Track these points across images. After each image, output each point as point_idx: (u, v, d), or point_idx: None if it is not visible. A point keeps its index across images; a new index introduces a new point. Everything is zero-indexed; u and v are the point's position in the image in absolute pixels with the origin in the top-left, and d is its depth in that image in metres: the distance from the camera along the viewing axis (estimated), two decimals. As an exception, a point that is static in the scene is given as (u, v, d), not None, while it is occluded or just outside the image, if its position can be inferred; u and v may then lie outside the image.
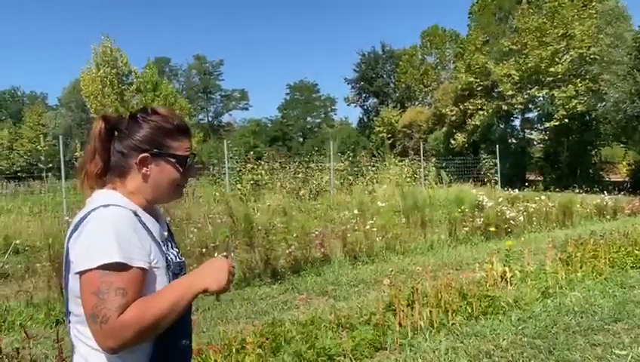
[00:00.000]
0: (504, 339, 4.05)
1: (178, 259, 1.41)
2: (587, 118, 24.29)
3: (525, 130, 29.38)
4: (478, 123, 28.68)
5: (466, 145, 29.94)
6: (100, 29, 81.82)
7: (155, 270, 1.28)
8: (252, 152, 52.47)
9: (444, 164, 27.07)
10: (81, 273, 1.19)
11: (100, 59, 28.87)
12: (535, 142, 28.41)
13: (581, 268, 6.05)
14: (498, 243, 8.57)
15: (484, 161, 21.40)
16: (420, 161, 23.06)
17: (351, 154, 21.79)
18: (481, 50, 28.95)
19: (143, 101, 29.25)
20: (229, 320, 4.93)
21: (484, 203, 9.67)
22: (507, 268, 5.64)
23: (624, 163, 27.90)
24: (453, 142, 30.83)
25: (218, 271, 1.29)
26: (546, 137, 27.09)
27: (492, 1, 31.55)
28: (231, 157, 17.79)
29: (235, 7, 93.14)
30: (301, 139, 55.78)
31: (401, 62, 43.52)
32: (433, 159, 28.11)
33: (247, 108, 66.35)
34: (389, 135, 41.14)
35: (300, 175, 18.56)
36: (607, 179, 27.22)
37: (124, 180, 1.35)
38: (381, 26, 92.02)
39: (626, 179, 24.39)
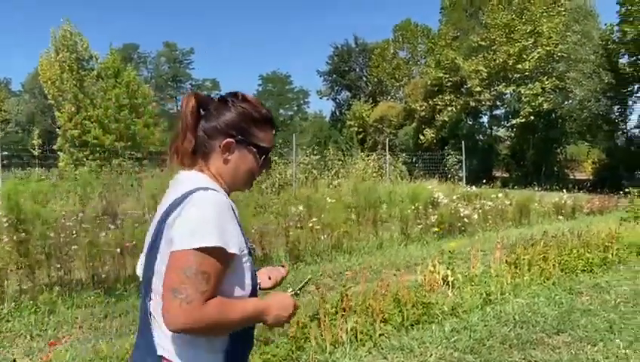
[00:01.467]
0: (432, 354, 3.64)
1: (251, 245, 1.40)
2: (553, 115, 24.37)
3: (493, 127, 29.42)
4: (446, 119, 28.56)
5: (435, 141, 29.82)
6: (67, 12, 79.15)
7: (244, 256, 1.30)
8: (222, 144, 51.95)
9: (413, 160, 26.99)
10: (176, 252, 1.20)
11: (59, 43, 27.62)
12: (502, 139, 28.45)
13: (529, 271, 5.72)
14: (450, 242, 8.24)
15: (447, 157, 21.21)
16: (387, 156, 22.83)
17: (316, 147, 21.31)
18: (451, 45, 28.79)
19: (103, 87, 28.13)
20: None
21: (439, 200, 9.32)
22: (449, 271, 5.26)
23: (589, 161, 28.22)
24: (422, 137, 30.67)
25: (284, 310, 1.36)
26: (513, 134, 27.15)
27: (463, -3, 31.42)
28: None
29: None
30: (273, 131, 54.97)
31: (373, 56, 43.17)
32: (403, 154, 28.05)
33: (218, 99, 64.85)
34: (361, 129, 40.84)
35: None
36: (572, 176, 27.50)
37: (208, 162, 1.35)
38: (355, 19, 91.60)
39: (591, 177, 24.64)
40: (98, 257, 5.11)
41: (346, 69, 46.03)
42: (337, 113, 48.34)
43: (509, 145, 29.02)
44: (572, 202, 11.34)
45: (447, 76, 28.40)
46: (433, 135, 30.09)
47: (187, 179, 1.31)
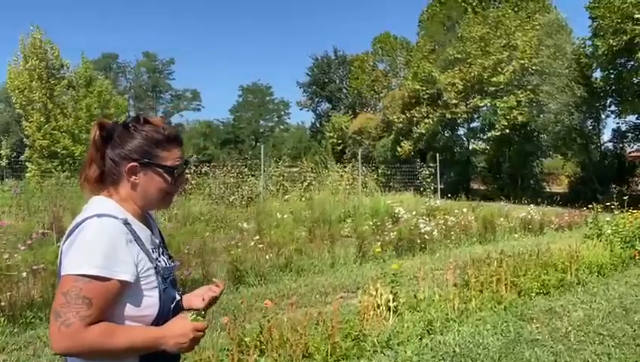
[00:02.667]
0: (351, 398, 3.22)
1: (168, 264, 1.48)
2: (528, 128, 24.35)
3: (470, 140, 29.35)
4: (423, 131, 28.41)
5: (412, 153, 29.63)
6: (45, 20, 78.05)
7: (145, 278, 1.35)
8: (201, 154, 50.75)
9: (390, 172, 26.73)
10: (63, 276, 1.27)
11: (29, 50, 26.90)
12: (479, 151, 28.38)
13: (481, 293, 5.36)
14: (408, 260, 7.87)
15: (420, 170, 20.97)
16: (360, 167, 22.52)
17: (288, 159, 20.90)
18: (428, 58, 28.76)
19: (74, 97, 27.44)
20: None
21: (399, 215, 8.95)
22: (391, 296, 4.86)
23: (565, 174, 28.25)
24: (399, 149, 30.48)
25: (183, 336, 1.35)
26: (489, 147, 27.08)
27: (441, 10, 31.51)
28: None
29: (188, 4, 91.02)
30: (253, 143, 54.48)
31: (353, 68, 43.11)
32: (382, 166, 27.78)
33: (198, 109, 64.32)
34: (340, 141, 40.66)
35: (231, 180, 17.50)
36: (549, 189, 27.48)
37: (117, 187, 1.41)
38: (336, 31, 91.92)
39: (567, 190, 24.60)
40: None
41: (326, 80, 45.90)
42: (317, 124, 48.09)
43: (485, 157, 28.96)
44: (540, 217, 11.07)
45: (424, 88, 28.29)
46: (411, 147, 29.90)
47: (92, 205, 1.38)
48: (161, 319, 1.38)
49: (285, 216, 7.79)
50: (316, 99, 47.87)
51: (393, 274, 5.00)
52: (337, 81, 46.83)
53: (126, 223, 1.34)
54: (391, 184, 23.68)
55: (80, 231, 1.29)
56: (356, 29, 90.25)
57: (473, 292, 5.14)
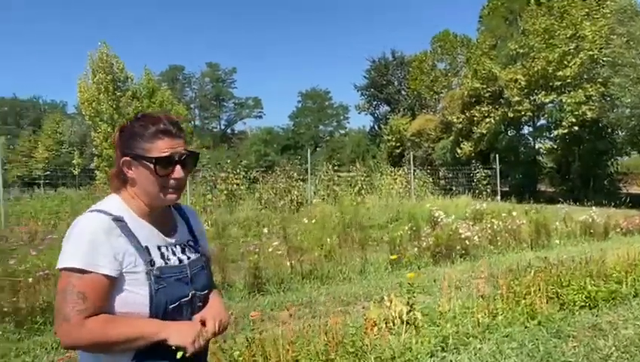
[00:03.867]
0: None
1: (176, 263, 1.48)
2: (600, 125, 22.52)
3: (536, 139, 27.64)
4: (484, 131, 27.13)
5: (473, 155, 28.35)
6: (119, 38, 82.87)
7: (130, 274, 1.37)
8: (262, 160, 51.69)
9: (450, 174, 25.75)
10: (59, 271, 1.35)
11: (96, 65, 28.53)
12: (543, 151, 26.64)
13: (517, 305, 4.78)
14: (445, 267, 7.32)
15: (475, 172, 19.93)
16: (416, 170, 21.86)
17: (336, 163, 20.61)
18: (489, 54, 27.44)
19: (137, 107, 28.71)
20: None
21: (439, 219, 8.37)
22: (405, 307, 4.41)
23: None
24: (459, 151, 29.31)
25: (187, 328, 1.40)
26: (556, 146, 25.35)
27: (502, 4, 30.02)
28: (204, 166, 16.89)
29: (248, 15, 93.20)
30: (313, 148, 54.73)
31: (411, 69, 42.17)
32: (443, 169, 26.81)
33: (260, 116, 65.61)
34: (398, 143, 39.83)
35: (280, 185, 17.46)
36: (627, 190, 25.26)
37: (127, 185, 1.47)
38: (393, 32, 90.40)
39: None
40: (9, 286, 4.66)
41: (384, 82, 45.20)
42: (376, 128, 47.45)
43: (553, 157, 27.17)
44: (605, 220, 10.02)
45: (485, 86, 27.04)
46: (471, 148, 28.65)
47: (98, 202, 1.46)
48: (157, 317, 1.39)
49: (313, 221, 7.51)
50: (374, 102, 47.32)
51: (409, 284, 4.55)
52: (395, 83, 46.03)
53: (117, 219, 1.38)
54: (452, 187, 22.79)
55: (72, 227, 1.36)
56: (414, 28, 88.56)
57: (502, 305, 4.58)
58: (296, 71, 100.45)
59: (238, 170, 16.92)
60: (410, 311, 4.45)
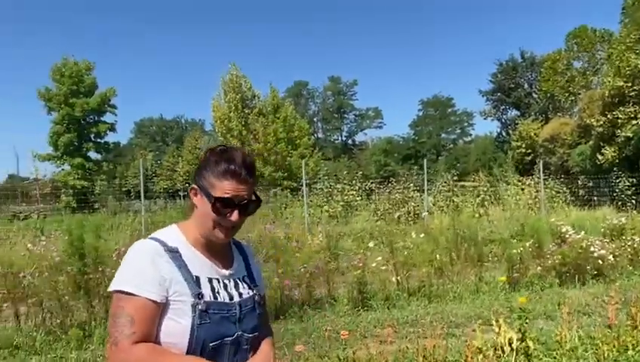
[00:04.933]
0: None
1: (226, 299, 1.46)
2: None
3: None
4: (630, 134, 24.08)
5: (617, 161, 25.30)
6: (248, 58, 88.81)
7: (176, 303, 1.37)
8: (382, 171, 51.59)
9: (590, 183, 23.32)
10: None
11: (227, 85, 30.84)
12: None
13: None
14: (573, 289, 6.58)
15: (617, 181, 17.70)
16: (548, 179, 20.14)
17: (457, 172, 19.72)
18: (634, 49, 24.41)
19: (263, 123, 30.39)
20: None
21: (567, 234, 7.53)
22: (516, 335, 4.01)
23: None
24: (600, 157, 26.35)
25: None
26: None
27: (651, -9, 26.60)
28: (320, 178, 17.28)
29: (367, 26, 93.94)
30: (435, 157, 53.28)
31: (543, 69, 39.10)
32: (582, 177, 24.35)
33: (380, 127, 65.59)
34: (529, 150, 37.05)
35: (397, 196, 17.21)
36: None
37: (192, 212, 1.49)
38: (520, 32, 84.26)
39: None
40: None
41: (512, 85, 42.48)
42: (503, 134, 44.73)
43: None
44: None
45: (630, 85, 24.06)
46: (614, 154, 25.57)
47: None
48: (195, 353, 1.37)
49: (422, 234, 7.24)
50: (501, 107, 44.65)
51: (520, 309, 4.14)
52: (525, 86, 43.03)
53: (171, 251, 1.41)
54: (594, 197, 20.58)
55: (129, 251, 1.41)
56: (545, 26, 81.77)
57: (633, 338, 3.96)
58: (417, 79, 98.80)
59: (354, 181, 17.04)
60: (521, 339, 4.06)
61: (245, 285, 1.55)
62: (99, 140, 32.30)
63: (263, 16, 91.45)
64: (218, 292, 1.45)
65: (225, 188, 1.41)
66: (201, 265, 1.45)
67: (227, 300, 1.46)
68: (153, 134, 70.04)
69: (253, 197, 1.48)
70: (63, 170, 30.90)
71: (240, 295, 1.51)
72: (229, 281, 1.51)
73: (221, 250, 1.53)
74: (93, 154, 32.36)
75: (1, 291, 5.68)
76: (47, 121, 30.96)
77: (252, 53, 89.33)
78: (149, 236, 1.46)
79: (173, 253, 1.40)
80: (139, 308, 1.32)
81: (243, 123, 30.65)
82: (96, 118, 31.99)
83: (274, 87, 32.16)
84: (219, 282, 1.47)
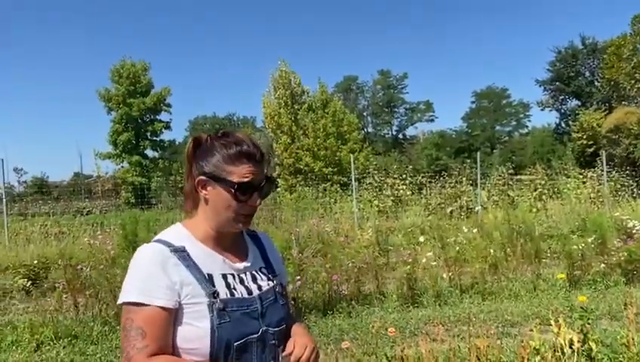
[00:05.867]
0: None
1: (244, 295, 1.36)
2: None
3: None
4: None
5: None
6: (297, 54, 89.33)
7: (190, 306, 1.28)
8: (434, 165, 50.68)
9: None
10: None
11: (277, 82, 31.13)
12: None
13: None
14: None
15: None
16: (612, 172, 19.06)
17: (513, 166, 18.96)
18: None
19: (312, 118, 30.48)
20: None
21: (633, 230, 7.03)
22: (577, 336, 3.75)
23: None
24: (670, 147, 24.67)
25: None
26: None
27: None
28: (370, 172, 17.09)
29: (416, 17, 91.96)
30: (489, 150, 51.64)
31: (606, 56, 36.97)
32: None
33: (432, 120, 64.18)
34: (591, 141, 35.22)
35: (449, 190, 16.78)
36: None
37: (198, 206, 1.39)
38: (579, 17, 79.50)
39: None
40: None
41: (572, 74, 40.46)
42: (563, 125, 42.73)
43: None
44: None
45: None
46: (687, 144, 23.90)
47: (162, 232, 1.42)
48: (220, 355, 1.28)
49: (475, 229, 6.96)
50: (560, 97, 42.65)
51: (582, 308, 3.88)
52: (587, 74, 40.89)
53: (177, 251, 1.31)
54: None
55: (132, 260, 1.32)
56: (606, 11, 77.03)
57: None
58: (470, 70, 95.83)
59: (404, 176, 16.76)
60: (583, 340, 3.80)
61: (264, 277, 1.45)
62: (155, 138, 33.53)
63: (311, 11, 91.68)
64: (234, 288, 1.35)
65: (242, 172, 1.33)
66: (213, 262, 1.36)
67: (246, 295, 1.36)
68: (207, 132, 71.73)
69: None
70: (122, 167, 32.31)
71: (259, 288, 1.41)
72: (245, 275, 1.41)
73: (234, 243, 1.44)
74: (150, 152, 33.68)
75: (61, 282, 5.96)
76: (107, 120, 32.51)
77: (301, 49, 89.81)
78: (153, 239, 1.36)
79: (181, 253, 1.31)
80: (149, 318, 1.24)
81: (292, 119, 30.84)
82: (152, 117, 33.22)
83: (322, 83, 32.14)
84: (234, 277, 1.38)
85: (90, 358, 4.69)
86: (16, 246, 9.84)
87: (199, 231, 1.38)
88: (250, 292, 1.38)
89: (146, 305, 1.24)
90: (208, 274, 1.32)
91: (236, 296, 1.34)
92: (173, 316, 1.27)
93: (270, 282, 1.46)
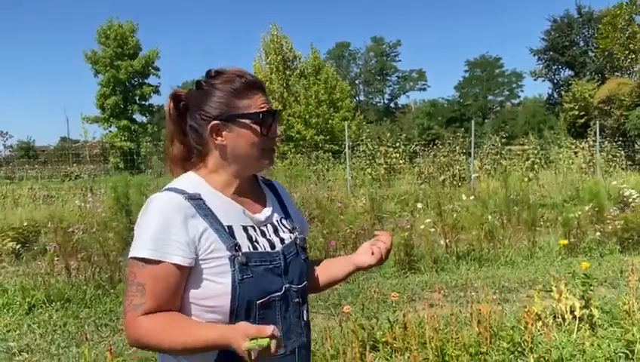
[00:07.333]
0: None
1: (267, 248, 1.25)
2: None
3: None
4: (697, 94, 22.39)
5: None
6: (289, 18, 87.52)
7: (209, 261, 1.16)
8: (425, 134, 50.59)
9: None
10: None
11: (268, 46, 30.47)
12: None
13: None
14: (637, 257, 6.16)
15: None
16: (604, 142, 19.14)
17: (505, 135, 18.91)
18: None
19: (304, 85, 30.04)
20: None
21: (630, 199, 7.03)
22: (579, 302, 3.73)
23: None
24: (662, 119, 24.76)
25: (238, 339, 1.06)
26: None
27: None
28: (363, 140, 16.94)
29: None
30: (480, 120, 51.55)
31: (601, 26, 36.63)
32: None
33: (424, 89, 63.65)
34: (582, 112, 35.28)
35: (442, 159, 16.73)
36: None
37: (207, 159, 1.27)
38: None
39: None
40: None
41: (566, 44, 40.08)
42: (555, 95, 42.63)
43: None
44: None
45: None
46: (678, 115, 23.99)
47: (173, 180, 1.28)
48: (240, 314, 1.17)
49: (472, 197, 6.90)
50: (554, 67, 42.37)
51: (584, 274, 3.85)
52: (581, 44, 40.56)
53: (193, 198, 1.18)
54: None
55: (142, 211, 1.19)
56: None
57: None
58: (463, 39, 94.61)
59: (397, 144, 16.66)
60: (584, 306, 3.79)
61: (285, 229, 1.34)
62: (143, 102, 32.87)
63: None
64: (257, 241, 1.24)
65: (258, 103, 1.24)
66: (232, 212, 1.24)
67: (268, 249, 1.25)
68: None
69: None
70: (110, 132, 31.74)
71: (282, 241, 1.30)
72: (267, 227, 1.30)
73: (252, 192, 1.33)
74: (138, 117, 33.05)
75: (52, 245, 5.83)
76: (95, 83, 31.72)
77: (293, 14, 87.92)
78: (164, 188, 1.23)
79: (197, 201, 1.19)
80: (153, 275, 1.13)
81: (284, 85, 30.35)
82: (140, 81, 32.47)
83: (315, 48, 31.53)
84: (255, 229, 1.26)
85: (83, 321, 4.62)
86: (4, 209, 9.65)
87: (214, 179, 1.27)
88: (272, 246, 1.27)
89: (157, 261, 1.13)
90: (228, 226, 1.21)
91: (259, 249, 1.23)
92: (186, 275, 1.16)
93: (292, 235, 1.35)
